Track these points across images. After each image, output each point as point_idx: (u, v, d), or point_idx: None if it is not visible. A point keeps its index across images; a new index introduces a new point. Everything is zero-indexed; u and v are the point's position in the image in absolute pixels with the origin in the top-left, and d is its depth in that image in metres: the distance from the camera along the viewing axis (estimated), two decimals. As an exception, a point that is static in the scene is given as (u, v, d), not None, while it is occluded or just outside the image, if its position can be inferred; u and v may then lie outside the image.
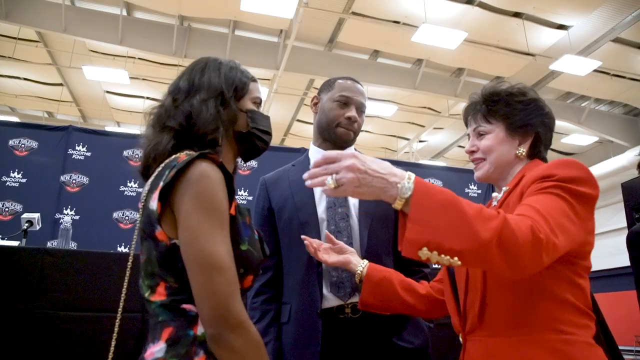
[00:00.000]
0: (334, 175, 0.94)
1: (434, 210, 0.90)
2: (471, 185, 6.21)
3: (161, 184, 0.96)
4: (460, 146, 13.49)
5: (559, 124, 11.47)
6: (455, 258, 0.88)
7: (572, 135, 11.88)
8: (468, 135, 1.34)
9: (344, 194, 0.95)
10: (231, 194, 1.00)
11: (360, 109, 1.69)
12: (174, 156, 1.02)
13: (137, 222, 1.02)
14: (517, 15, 8.16)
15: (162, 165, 1.02)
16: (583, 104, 10.95)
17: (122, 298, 1.06)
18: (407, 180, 0.92)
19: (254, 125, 1.15)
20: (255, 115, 1.16)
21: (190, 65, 1.17)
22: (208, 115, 1.07)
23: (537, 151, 1.26)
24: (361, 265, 1.42)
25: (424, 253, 0.88)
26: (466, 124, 1.34)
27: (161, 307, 0.96)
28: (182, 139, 1.06)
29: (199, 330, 0.93)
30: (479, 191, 6.19)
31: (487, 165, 1.25)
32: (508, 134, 1.24)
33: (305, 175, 0.97)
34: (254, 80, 1.20)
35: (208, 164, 0.96)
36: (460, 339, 1.20)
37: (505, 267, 0.91)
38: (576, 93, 10.64)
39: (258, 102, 1.19)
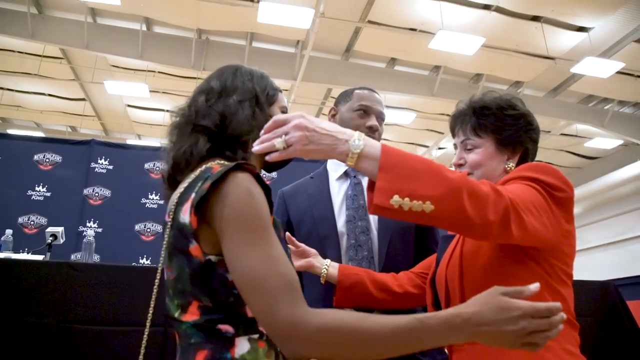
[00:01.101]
0: (283, 136, 0.91)
1: (402, 159, 0.89)
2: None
3: (193, 195, 0.89)
4: (480, 152, 13.32)
5: (581, 127, 11.28)
6: (428, 202, 0.85)
7: (595, 139, 11.66)
8: (455, 145, 1.31)
9: (293, 154, 0.91)
10: (270, 206, 0.93)
11: (380, 118, 1.68)
12: (205, 166, 0.95)
13: (165, 235, 0.94)
14: (535, 18, 8.07)
15: (194, 175, 0.94)
16: (606, 107, 10.74)
17: (150, 312, 1.00)
18: (357, 138, 0.91)
19: None
20: None
21: (218, 70, 1.13)
22: (244, 116, 1.02)
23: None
24: (325, 266, 1.40)
25: (396, 201, 0.85)
26: (453, 134, 1.32)
27: (194, 328, 0.89)
28: (216, 142, 1.00)
29: (237, 352, 0.87)
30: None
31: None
32: (497, 148, 1.23)
33: (255, 143, 0.94)
34: (280, 90, 1.18)
35: (245, 175, 0.90)
36: (446, 350, 1.21)
37: (476, 216, 0.89)
38: (599, 96, 10.45)
39: (284, 112, 1.16)
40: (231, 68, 1.13)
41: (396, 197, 0.85)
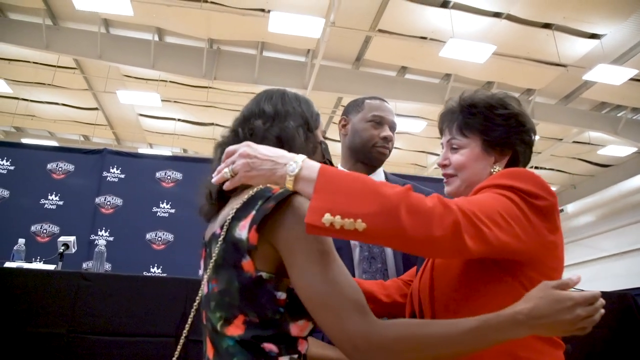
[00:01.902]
0: (230, 166, 0.94)
1: (339, 179, 0.87)
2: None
3: (254, 212, 0.90)
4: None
5: (594, 135, 11.17)
6: (359, 220, 0.83)
7: (608, 147, 11.53)
8: (442, 144, 1.25)
9: (239, 181, 0.94)
10: None
11: (393, 127, 1.67)
12: (261, 186, 0.95)
13: (216, 248, 0.94)
14: (546, 26, 8.03)
15: (251, 192, 0.95)
16: (619, 114, 10.63)
17: (189, 322, 1.00)
18: (294, 161, 0.90)
19: (328, 157, 1.14)
20: (326, 147, 1.16)
21: (265, 93, 1.13)
22: (300, 141, 1.04)
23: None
24: None
25: (327, 219, 0.83)
26: (441, 133, 1.25)
27: (238, 346, 0.89)
28: None
29: None
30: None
31: (459, 182, 1.17)
32: (484, 150, 1.15)
33: (213, 174, 0.98)
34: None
35: (305, 199, 0.91)
36: None
37: (417, 232, 0.83)
38: (612, 103, 10.35)
39: (324, 135, 1.19)
40: (278, 92, 1.14)
41: (327, 216, 0.83)
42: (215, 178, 0.97)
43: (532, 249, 0.96)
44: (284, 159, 0.92)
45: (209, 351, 0.95)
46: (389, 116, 1.66)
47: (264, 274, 0.89)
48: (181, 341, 1.01)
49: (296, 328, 0.91)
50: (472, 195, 1.02)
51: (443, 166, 1.20)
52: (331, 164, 1.15)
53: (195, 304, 1.01)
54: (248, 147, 0.94)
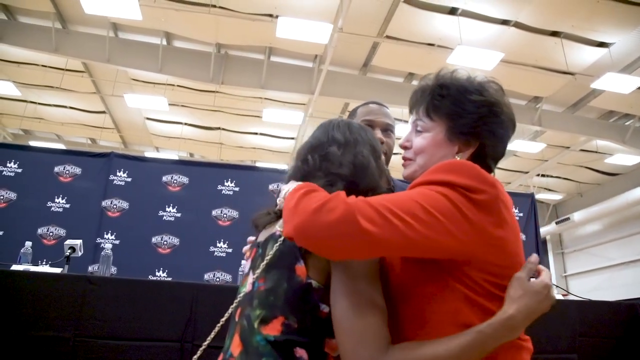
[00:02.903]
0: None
1: (287, 202, 0.91)
2: (513, 208, 6.02)
3: None
4: (498, 168, 13.17)
5: (601, 143, 11.11)
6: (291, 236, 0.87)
7: (616, 155, 11.46)
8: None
9: None
10: None
11: (387, 129, 1.63)
12: None
13: (275, 246, 0.96)
14: (555, 34, 8.00)
15: None
16: (627, 123, 10.58)
17: (216, 329, 1.00)
18: (281, 195, 0.97)
19: (393, 182, 1.21)
20: (389, 174, 1.21)
21: (329, 123, 1.16)
22: (372, 167, 1.06)
23: (480, 162, 1.01)
24: None
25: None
26: (410, 112, 1.14)
27: (269, 346, 0.89)
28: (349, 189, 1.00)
29: None
30: (521, 214, 6.00)
31: (415, 167, 1.08)
32: (447, 137, 1.04)
33: None
34: None
35: None
36: None
37: (316, 227, 0.82)
38: (619, 111, 10.29)
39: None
40: (344, 121, 1.16)
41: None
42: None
43: (472, 247, 0.87)
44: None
45: (235, 348, 0.94)
46: (380, 118, 1.63)
47: (314, 283, 0.91)
48: (204, 345, 1.01)
49: (330, 345, 0.91)
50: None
51: (404, 148, 1.11)
52: (393, 189, 1.17)
53: (234, 304, 1.02)
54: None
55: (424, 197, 0.86)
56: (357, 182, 1.02)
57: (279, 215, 1.04)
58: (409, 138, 1.10)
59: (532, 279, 0.93)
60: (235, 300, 1.03)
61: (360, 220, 0.79)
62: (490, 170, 1.07)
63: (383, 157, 1.15)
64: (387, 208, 0.82)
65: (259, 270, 0.98)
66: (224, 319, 1.01)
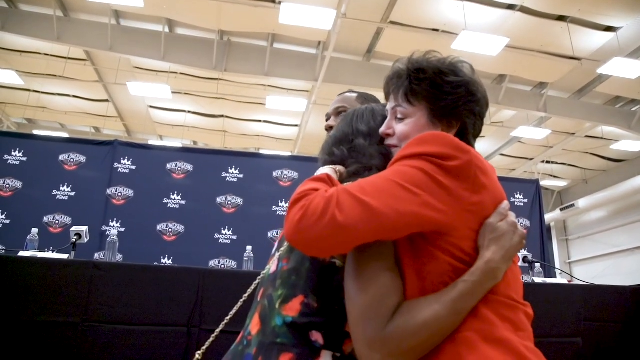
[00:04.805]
0: None
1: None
2: (517, 194, 6.01)
3: None
4: (502, 154, 13.16)
5: (607, 129, 11.03)
6: None
7: (621, 142, 11.39)
8: (386, 110, 1.16)
9: None
10: None
11: (339, 113, 1.62)
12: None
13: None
14: (561, 18, 7.92)
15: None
16: (634, 109, 10.49)
17: (232, 313, 1.03)
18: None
19: None
20: None
21: (352, 114, 1.17)
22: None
23: (463, 141, 1.01)
24: None
25: None
26: (386, 97, 1.15)
27: (285, 327, 0.90)
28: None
29: None
30: (525, 200, 5.99)
31: None
32: (430, 120, 1.05)
33: None
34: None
35: None
36: None
37: (287, 234, 0.85)
38: (626, 97, 10.21)
39: None
40: (367, 109, 1.17)
41: None
42: None
43: (452, 215, 0.87)
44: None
45: (254, 326, 0.95)
46: (332, 106, 1.65)
47: (337, 262, 0.91)
48: (216, 331, 1.02)
49: None
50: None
51: (386, 135, 1.10)
52: None
53: (255, 283, 1.03)
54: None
55: (398, 174, 0.88)
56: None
57: None
58: (390, 125, 1.10)
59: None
60: (256, 281, 1.04)
61: (336, 214, 0.80)
62: (471, 146, 1.05)
63: None
64: (363, 191, 0.83)
65: (284, 251, 0.99)
66: (237, 306, 1.02)
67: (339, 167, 1.06)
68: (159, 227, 5.19)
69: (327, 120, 1.65)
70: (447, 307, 0.82)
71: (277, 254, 1.01)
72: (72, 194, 5.15)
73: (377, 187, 0.85)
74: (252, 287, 1.05)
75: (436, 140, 0.91)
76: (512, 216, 0.95)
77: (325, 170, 1.00)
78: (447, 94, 1.04)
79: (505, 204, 0.95)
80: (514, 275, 0.95)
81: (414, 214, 0.84)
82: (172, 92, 9.91)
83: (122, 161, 5.33)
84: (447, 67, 1.06)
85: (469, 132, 1.07)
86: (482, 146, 13.10)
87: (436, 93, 1.04)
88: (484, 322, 0.85)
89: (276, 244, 1.10)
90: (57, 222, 5.03)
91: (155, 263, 4.83)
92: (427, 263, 0.89)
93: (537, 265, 3.80)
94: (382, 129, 1.11)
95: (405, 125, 1.06)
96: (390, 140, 1.09)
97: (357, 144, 1.08)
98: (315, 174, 1.00)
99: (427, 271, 0.88)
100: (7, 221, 4.90)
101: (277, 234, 5.24)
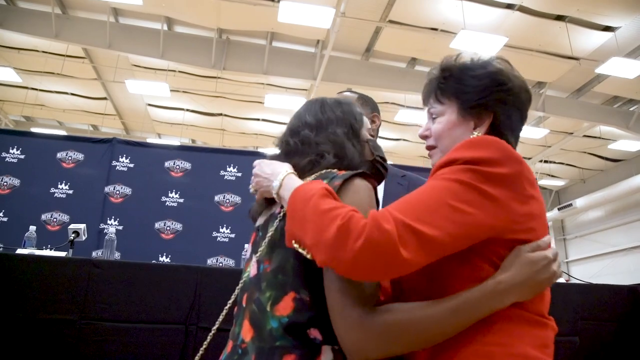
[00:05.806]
0: (252, 182, 1.11)
1: (301, 205, 0.89)
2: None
3: None
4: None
5: (605, 129, 11.05)
6: (308, 252, 0.85)
7: (619, 141, 11.43)
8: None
9: (260, 196, 1.08)
10: None
11: None
12: (326, 170, 1.02)
13: (271, 228, 0.98)
14: (559, 18, 7.93)
15: (313, 176, 1.00)
16: (632, 108, 10.51)
17: (225, 311, 1.02)
18: (277, 179, 0.99)
19: (377, 153, 1.16)
20: (375, 144, 1.18)
21: (304, 106, 1.19)
22: (349, 145, 1.08)
23: (498, 134, 1.01)
24: None
25: (296, 246, 0.87)
26: (424, 104, 1.16)
27: (281, 329, 0.88)
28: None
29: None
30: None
31: (439, 154, 1.07)
32: (460, 115, 1.05)
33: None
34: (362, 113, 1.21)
35: (367, 183, 0.97)
36: None
37: (338, 265, 0.80)
38: (624, 97, 10.23)
39: (372, 134, 1.23)
40: (317, 101, 1.18)
41: (294, 243, 0.88)
42: (251, 191, 1.12)
43: (499, 225, 0.86)
44: (273, 176, 1.01)
45: (246, 333, 0.94)
46: None
47: None
48: (213, 330, 1.01)
49: None
50: (430, 177, 0.94)
51: (424, 137, 1.12)
52: (383, 160, 1.17)
53: (238, 287, 1.02)
54: (257, 165, 1.07)
55: (448, 193, 0.85)
56: (341, 157, 1.05)
57: (272, 200, 1.04)
58: (427, 127, 1.12)
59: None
60: (238, 287, 1.02)
61: (401, 252, 0.78)
62: (510, 144, 1.02)
63: (365, 130, 1.16)
64: (418, 219, 0.81)
65: (262, 252, 0.97)
66: (231, 302, 1.01)
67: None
68: (157, 225, 5.18)
69: None
70: (444, 315, 0.83)
71: (255, 257, 0.99)
72: (70, 191, 5.14)
73: (430, 209, 0.83)
74: (234, 295, 1.03)
75: (487, 145, 0.91)
76: (550, 252, 0.90)
77: (294, 181, 0.97)
78: (471, 86, 1.04)
79: (547, 237, 0.92)
80: (547, 290, 0.95)
81: (468, 235, 0.84)
82: (171, 90, 9.90)
83: (120, 159, 5.31)
84: (474, 62, 1.08)
85: (504, 122, 1.04)
86: (481, 145, 13.09)
87: (461, 87, 1.06)
88: (509, 337, 0.86)
89: (249, 248, 1.08)
90: (55, 219, 5.02)
91: (153, 261, 4.83)
92: (462, 268, 0.89)
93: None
94: (420, 131, 1.15)
95: (438, 124, 1.08)
96: (428, 142, 1.11)
97: (303, 136, 1.09)
98: (282, 170, 1.01)
99: (461, 276, 0.89)
100: (5, 219, 4.89)
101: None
